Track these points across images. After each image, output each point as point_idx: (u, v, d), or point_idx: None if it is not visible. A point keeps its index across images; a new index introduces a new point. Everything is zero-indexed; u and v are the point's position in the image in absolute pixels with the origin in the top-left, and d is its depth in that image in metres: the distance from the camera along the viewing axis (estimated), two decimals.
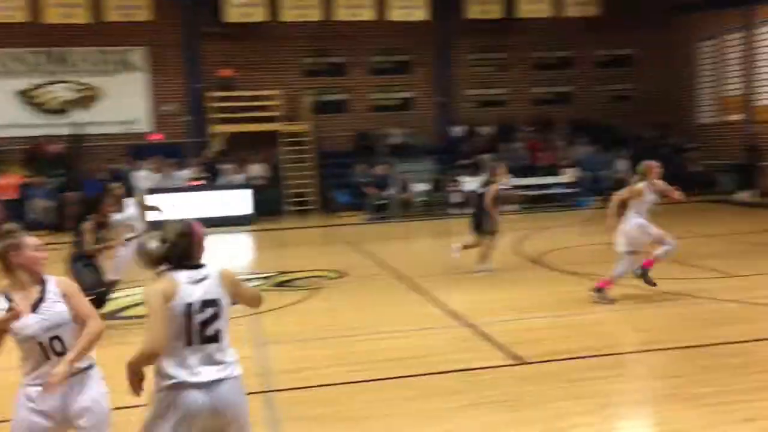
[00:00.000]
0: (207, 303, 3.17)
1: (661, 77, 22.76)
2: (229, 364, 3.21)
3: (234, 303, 3.34)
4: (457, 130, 21.98)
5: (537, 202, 19.50)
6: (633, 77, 23.31)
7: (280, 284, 10.16)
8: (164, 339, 3.09)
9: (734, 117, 20.41)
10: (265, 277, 10.52)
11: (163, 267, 3.22)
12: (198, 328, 3.15)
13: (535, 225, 15.86)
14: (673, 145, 21.35)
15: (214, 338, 3.19)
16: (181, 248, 3.22)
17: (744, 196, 18.40)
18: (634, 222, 7.88)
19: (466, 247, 10.33)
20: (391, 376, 5.75)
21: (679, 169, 20.28)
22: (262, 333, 7.24)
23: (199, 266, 3.25)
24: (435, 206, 18.96)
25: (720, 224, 14.64)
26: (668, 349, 6.29)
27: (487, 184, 10.21)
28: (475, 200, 10.46)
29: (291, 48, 21.06)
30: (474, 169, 19.81)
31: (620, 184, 16.91)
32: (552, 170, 20.45)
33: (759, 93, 19.45)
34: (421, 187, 19.43)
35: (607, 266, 10.43)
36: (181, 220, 3.33)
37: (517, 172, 20.14)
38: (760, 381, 5.30)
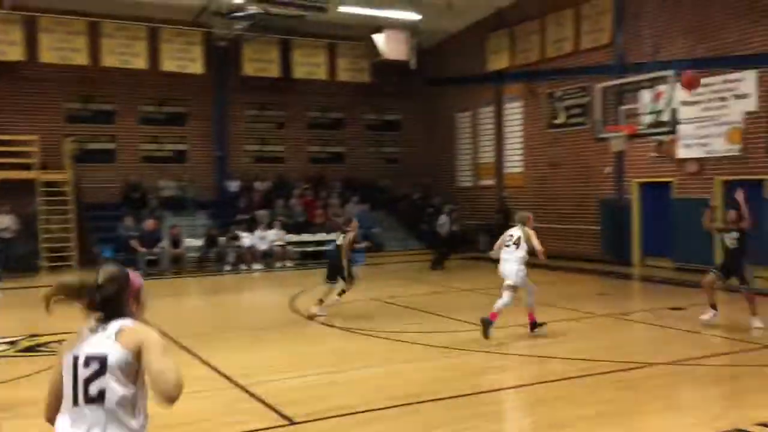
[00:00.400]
0: (92, 358, 2.72)
1: (425, 142, 24.65)
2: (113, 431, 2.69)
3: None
4: (234, 185, 21.79)
5: (312, 258, 19.80)
6: (400, 141, 24.97)
7: (29, 349, 9.15)
8: (49, 402, 2.82)
9: (487, 182, 22.57)
10: (10, 342, 9.42)
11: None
12: (82, 386, 2.72)
13: (309, 281, 16.03)
14: (436, 206, 23.00)
15: (99, 399, 2.70)
16: (106, 294, 2.82)
17: (497, 253, 20.21)
18: (520, 266, 9.29)
19: (321, 300, 11.09)
20: None
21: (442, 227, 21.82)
22: (5, 403, 6.42)
23: (112, 318, 2.79)
24: (210, 262, 18.46)
25: (476, 280, 15.90)
26: (432, 400, 6.60)
27: (343, 234, 11.36)
28: (332, 251, 11.59)
29: (52, 91, 19.61)
30: (251, 225, 19.68)
31: (445, 238, 18.28)
32: (326, 227, 20.95)
33: (508, 161, 21.74)
34: (194, 242, 18.84)
35: (378, 321, 10.79)
36: (118, 265, 2.94)
37: (293, 228, 20.42)
38: (510, 428, 5.75)
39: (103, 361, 2.72)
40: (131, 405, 2.76)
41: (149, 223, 18.17)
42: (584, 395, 6.67)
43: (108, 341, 2.74)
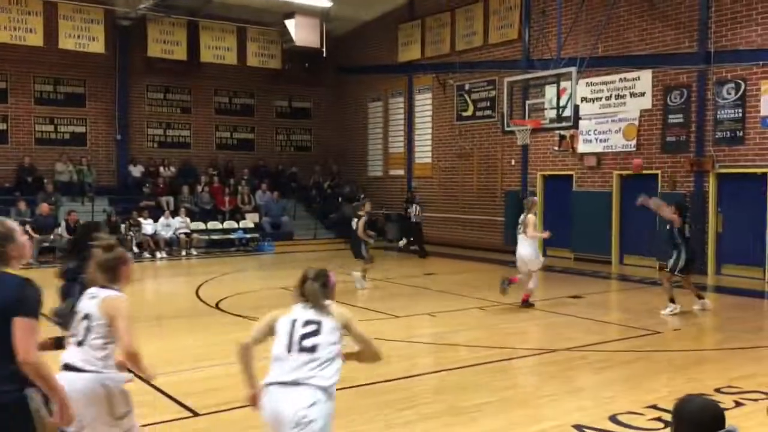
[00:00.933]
0: (309, 322, 3.67)
1: (336, 131, 24.55)
2: (310, 374, 3.57)
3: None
4: (137, 170, 21.01)
5: (219, 246, 19.41)
6: (311, 129, 24.77)
7: None
8: (254, 338, 3.83)
9: (397, 172, 22.73)
10: None
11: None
12: (298, 339, 3.63)
13: (215, 270, 15.70)
14: (346, 195, 22.99)
15: (311, 350, 3.61)
16: (315, 286, 3.75)
17: (404, 243, 20.43)
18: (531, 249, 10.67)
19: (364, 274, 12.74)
20: None
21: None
22: None
23: (318, 301, 3.73)
24: None
25: (384, 269, 16.01)
26: (338, 389, 6.59)
27: (357, 217, 12.85)
28: (351, 232, 13.13)
29: None
30: (155, 212, 19.04)
31: (416, 226, 18.19)
32: (234, 215, 20.59)
33: (417, 151, 21.96)
34: None
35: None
36: (321, 269, 3.84)
37: (200, 216, 19.92)
38: (416, 414, 5.82)
39: (318, 324, 3.66)
40: (332, 359, 3.65)
41: (43, 208, 17.27)
42: (488, 381, 6.83)
43: (321, 313, 3.70)
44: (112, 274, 3.99)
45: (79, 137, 20.71)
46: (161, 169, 21.18)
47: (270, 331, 3.77)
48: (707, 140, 14.49)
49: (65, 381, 3.53)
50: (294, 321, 3.68)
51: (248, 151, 23.46)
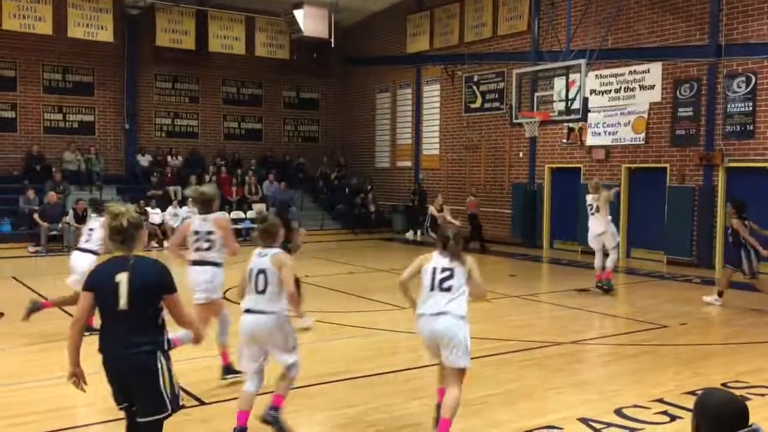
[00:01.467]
0: (445, 269, 4.95)
1: (343, 122, 24.53)
2: (449, 306, 4.89)
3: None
4: (145, 160, 21.06)
5: None
6: (319, 120, 24.76)
7: None
8: (404, 277, 5.31)
9: (404, 163, 22.70)
10: None
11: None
12: (438, 282, 4.96)
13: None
14: (353, 186, 23.01)
15: (448, 289, 4.93)
16: (457, 244, 5.03)
17: (412, 235, 20.46)
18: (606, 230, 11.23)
19: None
20: (61, 428, 5.20)
21: (358, 208, 21.90)
22: None
23: (458, 252, 5.02)
24: None
25: (391, 260, 16.01)
26: (348, 379, 6.63)
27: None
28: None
29: None
30: (163, 201, 19.08)
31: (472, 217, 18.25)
32: (241, 205, 20.62)
33: (424, 143, 21.92)
34: (100, 217, 18.09)
35: None
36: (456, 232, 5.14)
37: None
38: (421, 405, 5.83)
39: (452, 271, 4.94)
40: (464, 295, 4.93)
41: (51, 196, 17.34)
42: (493, 374, 6.84)
43: (452, 263, 4.96)
44: (272, 238, 5.22)
45: (88, 126, 20.77)
46: (169, 158, 21.23)
47: (417, 272, 5.11)
48: (717, 134, 14.41)
49: (249, 322, 5.14)
50: (435, 268, 4.99)
51: (256, 141, 23.50)
